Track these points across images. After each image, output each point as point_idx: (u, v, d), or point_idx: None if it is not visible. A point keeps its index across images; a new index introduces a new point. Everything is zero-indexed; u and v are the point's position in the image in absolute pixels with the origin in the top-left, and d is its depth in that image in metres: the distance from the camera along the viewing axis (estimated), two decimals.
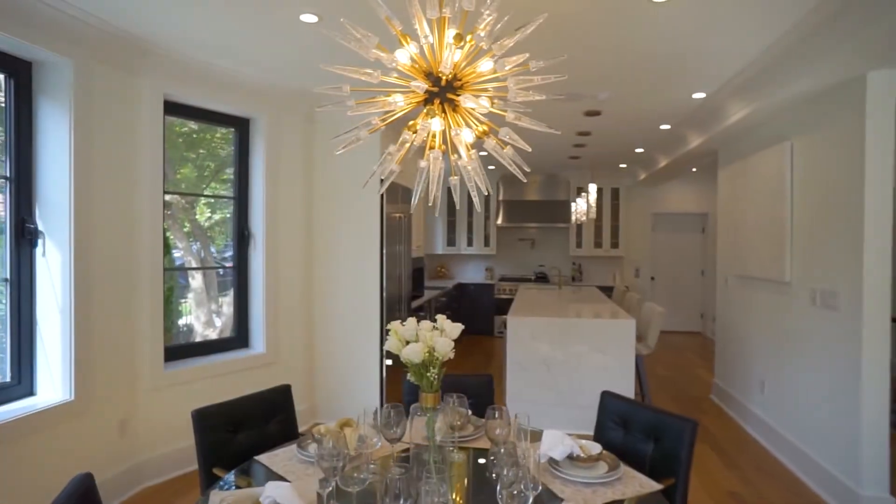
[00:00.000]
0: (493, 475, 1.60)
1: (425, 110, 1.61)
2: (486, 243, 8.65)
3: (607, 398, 2.46)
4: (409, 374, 1.78)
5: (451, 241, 8.66)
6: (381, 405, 4.35)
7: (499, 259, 8.87)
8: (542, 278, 8.62)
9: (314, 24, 2.74)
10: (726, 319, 4.81)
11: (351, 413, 4.22)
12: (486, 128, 1.69)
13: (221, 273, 4.08)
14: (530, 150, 1.62)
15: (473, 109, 1.61)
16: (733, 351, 4.63)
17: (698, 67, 3.30)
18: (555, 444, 1.88)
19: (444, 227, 8.63)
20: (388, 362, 4.49)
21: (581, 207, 5.86)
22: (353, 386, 4.34)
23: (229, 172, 4.01)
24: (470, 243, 8.67)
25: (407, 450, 2.00)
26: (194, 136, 3.93)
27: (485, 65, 1.62)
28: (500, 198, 8.58)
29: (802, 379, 3.45)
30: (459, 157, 1.67)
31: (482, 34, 1.45)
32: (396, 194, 4.68)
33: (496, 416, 1.88)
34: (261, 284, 3.96)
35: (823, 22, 2.56)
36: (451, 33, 1.54)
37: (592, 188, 5.24)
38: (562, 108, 4.26)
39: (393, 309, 4.63)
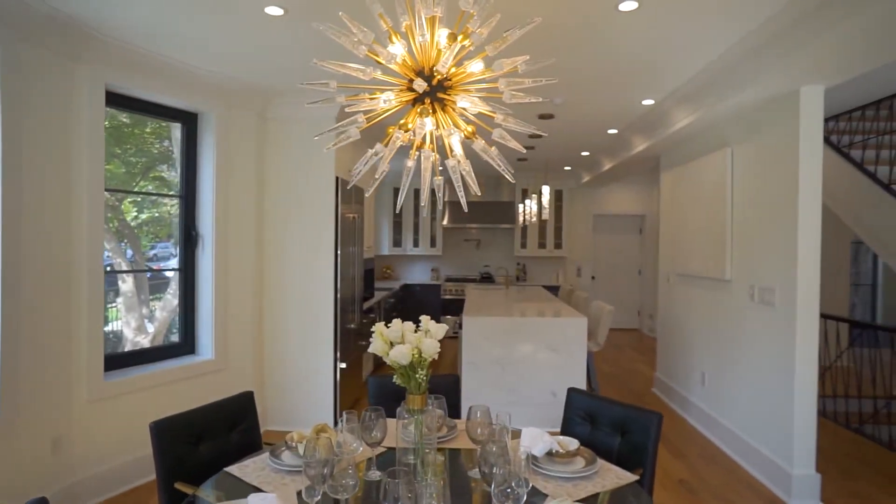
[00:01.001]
0: (481, 474, 1.60)
1: (418, 109, 1.58)
2: (433, 244, 8.67)
3: (573, 394, 2.53)
4: (394, 377, 1.74)
5: (396, 242, 8.61)
6: (336, 409, 4.26)
7: (444, 260, 8.92)
8: (487, 278, 8.74)
9: (280, 16, 2.63)
10: (668, 316, 5.08)
11: (305, 418, 4.13)
12: (473, 128, 1.69)
13: (150, 276, 3.83)
14: (524, 150, 1.63)
15: (465, 109, 1.60)
16: (675, 346, 4.90)
17: (651, 75, 3.47)
18: (535, 441, 1.90)
19: (390, 227, 8.57)
20: (343, 365, 4.39)
21: (532, 209, 5.99)
22: (307, 391, 4.21)
23: (162, 169, 3.76)
24: (416, 244, 8.65)
25: (383, 453, 1.96)
26: (124, 129, 3.65)
27: (475, 65, 1.62)
28: (446, 198, 8.59)
29: (741, 370, 3.70)
30: (454, 156, 1.65)
31: (479, 35, 1.45)
32: (350, 194, 4.59)
33: (478, 415, 1.89)
34: (209, 287, 3.75)
35: (764, 40, 2.78)
36: (443, 32, 1.53)
37: (546, 190, 5.37)
38: (517, 109, 4.34)
39: (346, 311, 4.53)
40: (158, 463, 1.93)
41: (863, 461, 3.69)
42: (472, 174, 1.68)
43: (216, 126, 3.73)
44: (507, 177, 1.73)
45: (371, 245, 6.09)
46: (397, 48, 1.57)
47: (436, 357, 1.74)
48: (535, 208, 5.98)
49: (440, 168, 1.77)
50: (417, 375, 1.66)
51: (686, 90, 3.66)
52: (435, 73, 1.55)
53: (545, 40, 2.87)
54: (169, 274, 3.81)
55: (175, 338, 3.81)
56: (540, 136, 1.64)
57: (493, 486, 1.53)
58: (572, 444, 1.97)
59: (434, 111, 1.59)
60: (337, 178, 4.20)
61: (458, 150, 1.61)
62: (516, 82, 1.57)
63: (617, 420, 2.32)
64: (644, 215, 8.83)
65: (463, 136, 1.65)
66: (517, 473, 1.49)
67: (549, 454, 1.89)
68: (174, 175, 3.80)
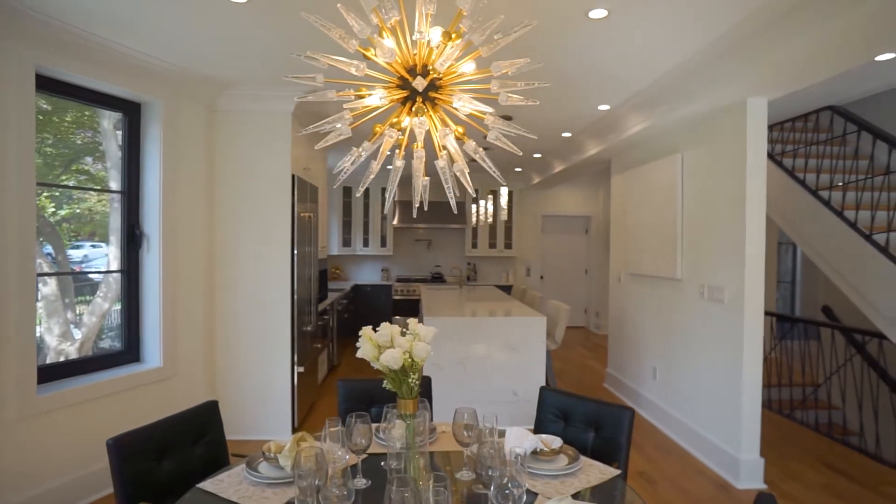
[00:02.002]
0: (478, 477, 1.59)
1: (414, 108, 1.55)
2: (383, 244, 8.57)
3: (545, 393, 2.57)
4: (384, 382, 1.70)
5: (346, 242, 8.45)
6: (293, 415, 4.11)
7: (395, 260, 8.84)
8: (438, 279, 8.75)
9: (242, 4, 2.49)
10: (619, 314, 5.28)
11: (261, 426, 3.96)
12: (463, 128, 1.67)
13: (76, 278, 3.53)
14: (521, 153, 1.63)
15: (457, 109, 1.58)
16: (626, 342, 5.10)
17: (611, 82, 3.58)
18: (521, 440, 1.92)
19: (340, 227, 8.39)
20: (301, 369, 4.25)
21: (489, 209, 6.05)
22: (262, 397, 4.03)
23: (87, 163, 3.47)
24: (366, 244, 8.53)
25: (364, 459, 1.91)
26: (39, 117, 3.32)
27: (466, 66, 1.61)
28: (396, 198, 8.56)
29: (692, 364, 3.91)
30: (443, 156, 1.62)
31: (478, 36, 1.43)
32: (305, 192, 4.44)
33: (465, 417, 1.87)
34: (156, 290, 3.51)
35: (716, 55, 2.94)
36: (437, 31, 1.51)
37: (504, 191, 5.44)
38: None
39: (303, 312, 4.39)
40: (119, 483, 1.79)
41: (795, 444, 4.00)
42: (467, 175, 1.65)
43: (163, 117, 3.50)
44: (498, 179, 1.72)
45: (325, 245, 5.93)
46: (389, 44, 1.53)
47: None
48: (490, 209, 6.04)
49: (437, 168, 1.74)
50: (410, 380, 1.63)
51: (641, 97, 3.81)
52: (430, 71, 1.52)
53: (513, 43, 2.89)
54: (97, 276, 3.51)
55: (105, 344, 3.53)
56: (532, 138, 1.64)
57: (492, 488, 1.52)
58: (555, 442, 1.99)
59: (426, 110, 1.55)
60: (293, 176, 4.06)
61: (455, 149, 1.59)
62: (508, 85, 1.57)
63: (590, 416, 2.38)
64: (590, 216, 9.15)
65: (454, 136, 1.63)
66: (514, 475, 1.50)
67: (534, 453, 1.90)
68: (100, 168, 3.51)
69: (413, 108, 1.54)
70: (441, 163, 1.67)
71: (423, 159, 1.63)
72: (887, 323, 3.62)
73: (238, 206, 3.99)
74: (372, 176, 1.71)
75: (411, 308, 8.26)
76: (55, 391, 2.91)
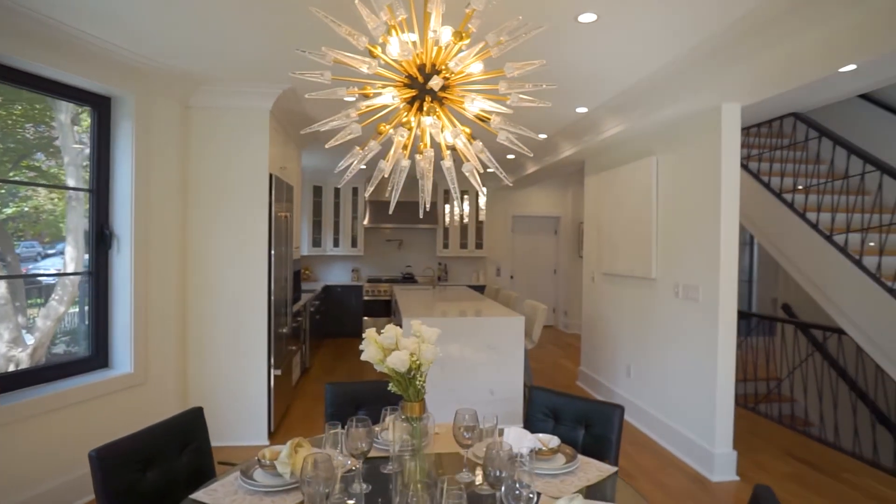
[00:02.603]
0: (486, 477, 1.58)
1: (426, 108, 1.53)
2: (354, 244, 8.47)
3: (535, 392, 2.59)
4: (389, 385, 1.67)
5: (316, 242, 8.31)
6: (270, 419, 4.00)
7: (365, 260, 8.75)
8: (409, 279, 8.71)
9: None
10: (592, 313, 5.38)
11: (237, 431, 3.84)
12: (469, 129, 1.66)
13: (23, 281, 3.33)
14: (531, 154, 1.64)
15: (465, 109, 1.58)
16: (599, 340, 5.20)
17: (592, 85, 3.64)
18: (520, 440, 1.93)
19: (310, 227, 8.25)
20: (277, 372, 4.15)
21: (465, 209, 6.06)
22: (238, 401, 3.91)
23: (40, 158, 3.28)
24: (336, 244, 8.41)
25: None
26: None
27: (473, 66, 1.60)
28: (367, 197, 8.47)
29: (666, 361, 4.02)
30: (457, 156, 1.61)
31: (489, 35, 1.43)
32: (282, 192, 4.34)
33: (465, 419, 1.87)
34: (127, 293, 3.36)
35: (694, 61, 3.04)
36: (447, 30, 1.50)
37: (484, 190, 5.44)
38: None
39: (279, 314, 4.29)
40: (102, 497, 1.70)
41: (761, 436, 4.18)
42: (476, 174, 1.65)
43: (135, 113, 3.34)
44: (505, 181, 1.72)
45: (298, 245, 5.81)
46: (411, 37, 1.50)
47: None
48: (467, 209, 6.05)
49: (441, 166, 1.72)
50: (417, 382, 1.61)
51: (618, 101, 3.90)
52: (441, 70, 1.51)
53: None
54: (50, 279, 3.31)
55: (59, 349, 3.35)
56: (536, 139, 1.65)
57: (502, 488, 1.52)
58: (552, 441, 2.01)
59: (436, 110, 1.54)
60: (271, 175, 3.95)
61: (467, 148, 1.58)
62: (515, 86, 1.58)
63: (580, 414, 2.42)
64: (559, 217, 9.29)
65: (465, 136, 1.62)
66: (522, 476, 1.50)
67: (533, 452, 1.92)
68: (52, 165, 3.32)
69: (424, 108, 1.52)
70: (447, 163, 1.66)
71: (432, 160, 1.61)
72: (847, 320, 3.83)
73: (214, 206, 3.85)
74: (381, 176, 1.68)
75: (383, 309, 8.20)
76: (13, 401, 2.74)
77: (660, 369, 4.11)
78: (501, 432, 1.99)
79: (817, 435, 4.15)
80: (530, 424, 2.49)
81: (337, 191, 8.34)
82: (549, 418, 2.50)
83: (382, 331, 1.66)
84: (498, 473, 1.56)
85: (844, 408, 4.34)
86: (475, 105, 1.56)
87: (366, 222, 8.29)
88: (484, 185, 8.75)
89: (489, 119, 1.64)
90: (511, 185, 1.75)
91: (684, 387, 3.78)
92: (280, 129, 4.36)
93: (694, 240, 3.66)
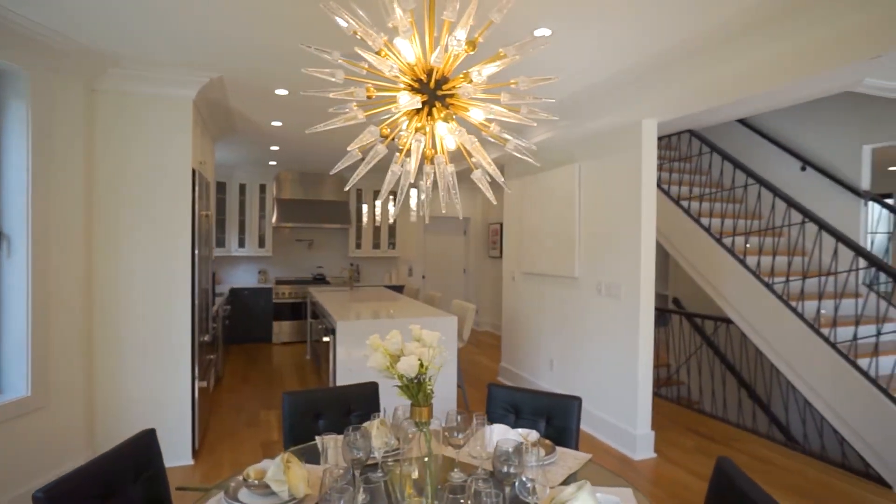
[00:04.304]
0: (496, 473, 1.63)
1: (442, 115, 1.53)
2: (261, 244, 8.03)
3: (494, 389, 2.69)
4: (398, 391, 1.65)
5: (220, 242, 7.75)
6: (194, 434, 3.69)
7: (273, 261, 8.34)
8: (320, 280, 8.45)
9: None
10: (513, 311, 5.64)
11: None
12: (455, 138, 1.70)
13: None
14: (539, 165, 1.71)
15: (469, 116, 1.61)
16: (521, 337, 5.47)
17: (533, 92, 3.83)
18: (505, 435, 2.01)
19: (213, 226, 7.66)
20: (203, 384, 3.83)
21: (390, 209, 6.02)
22: (158, 418, 3.54)
23: None
24: (242, 244, 7.92)
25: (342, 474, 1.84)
26: None
27: (477, 77, 1.64)
28: (276, 196, 8.10)
29: (590, 354, 4.35)
30: (476, 163, 1.64)
31: (509, 48, 1.48)
32: (203, 189, 4.01)
33: (457, 419, 1.90)
34: (22, 303, 2.91)
35: (624, 80, 3.35)
36: (461, 33, 1.52)
37: (413, 192, 5.44)
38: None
39: (201, 320, 3.96)
40: None
41: (665, 416, 4.68)
42: (485, 181, 1.69)
43: (31, 91, 2.90)
44: (503, 186, 1.78)
45: (212, 246, 5.38)
46: (409, 48, 1.50)
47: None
48: (392, 209, 6.00)
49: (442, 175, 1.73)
50: (425, 386, 1.61)
51: (552, 110, 4.14)
52: (450, 78, 1.53)
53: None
54: None
55: None
56: (533, 149, 1.74)
57: (516, 483, 1.59)
58: (531, 434, 2.12)
59: (452, 116, 1.56)
60: (194, 171, 3.64)
61: (482, 156, 1.61)
62: (519, 97, 1.65)
63: (541, 408, 2.56)
64: (469, 218, 9.57)
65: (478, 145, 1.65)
66: (537, 472, 1.59)
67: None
68: None
69: (441, 115, 1.53)
70: (450, 168, 1.68)
71: (443, 166, 1.62)
72: (734, 311, 4.43)
73: (129, 203, 3.46)
74: (396, 180, 1.65)
75: (295, 312, 7.87)
76: None
77: (583, 361, 4.44)
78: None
79: (710, 412, 4.75)
80: (493, 419, 2.57)
81: (242, 187, 7.85)
82: (510, 413, 2.61)
83: (370, 338, 1.64)
84: (506, 469, 1.62)
85: (724, 386, 5.01)
86: (479, 113, 1.60)
87: (274, 221, 7.89)
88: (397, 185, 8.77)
89: (489, 127, 1.69)
90: (509, 190, 1.81)
91: (607, 376, 4.13)
92: (199, 121, 4.02)
93: (616, 241, 4.00)
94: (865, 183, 4.60)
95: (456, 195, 1.72)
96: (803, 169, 4.92)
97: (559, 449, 2.11)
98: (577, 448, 2.41)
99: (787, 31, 2.65)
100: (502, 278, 8.69)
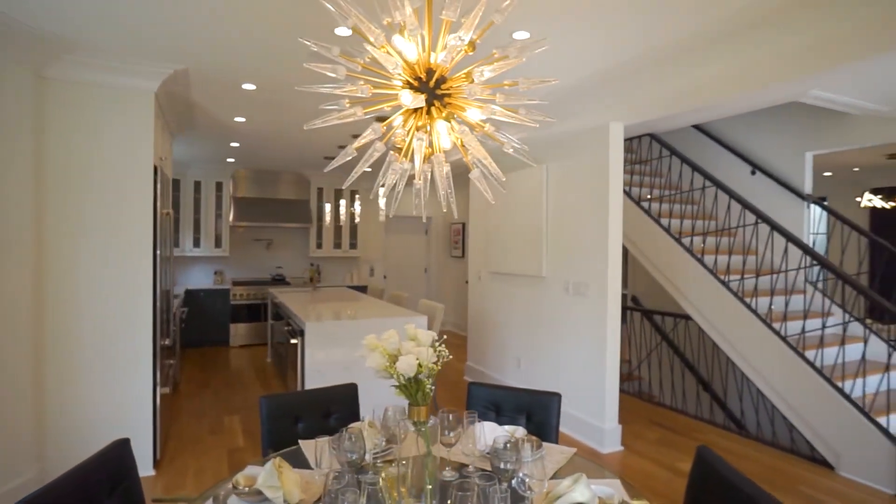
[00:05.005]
0: (495, 471, 1.65)
1: (444, 114, 1.53)
2: (218, 244, 7.75)
3: (474, 388, 2.71)
4: (396, 390, 1.63)
5: (174, 242, 7.41)
6: (155, 443, 3.52)
7: (230, 261, 8.07)
8: (280, 280, 8.24)
9: None
10: (479, 310, 5.69)
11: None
12: (458, 136, 1.70)
13: None
14: (535, 165, 1.73)
15: (466, 117, 1.62)
16: (487, 336, 5.52)
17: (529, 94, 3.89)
18: (495, 434, 2.03)
19: (173, 226, 7.33)
20: (165, 390, 3.67)
21: (356, 209, 5.94)
22: (117, 430, 3.35)
23: None
24: (197, 244, 7.62)
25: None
26: None
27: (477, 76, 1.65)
28: (233, 194, 7.85)
29: (558, 351, 4.44)
30: (468, 163, 1.64)
31: (512, 48, 1.50)
32: (165, 186, 3.83)
33: (449, 419, 1.90)
34: None
35: (593, 84, 3.46)
36: (465, 34, 1.53)
37: (381, 191, 5.38)
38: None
39: (162, 321, 3.79)
40: None
41: (629, 411, 4.84)
42: (484, 181, 1.70)
43: None
44: (499, 189, 1.80)
45: (173, 247, 5.14)
46: (413, 46, 1.49)
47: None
48: (356, 208, 5.95)
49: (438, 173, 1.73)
50: (424, 384, 1.60)
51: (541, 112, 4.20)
52: (447, 78, 1.54)
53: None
54: None
55: None
56: (525, 149, 1.77)
57: (514, 480, 1.61)
58: (518, 431, 2.15)
59: (453, 116, 1.56)
60: (155, 168, 3.48)
61: (484, 156, 1.62)
62: (513, 98, 1.67)
63: (521, 405, 2.61)
64: (430, 217, 9.57)
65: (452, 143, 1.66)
66: (533, 467, 1.62)
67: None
68: None
69: (442, 113, 1.53)
70: (447, 168, 1.68)
71: (443, 164, 1.62)
72: (692, 307, 4.64)
73: (85, 201, 3.26)
74: (395, 181, 1.63)
75: (254, 314, 7.65)
76: None
77: (550, 359, 4.53)
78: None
79: (669, 405, 4.95)
80: None
81: (197, 185, 7.55)
82: (490, 411, 2.63)
83: (366, 338, 1.63)
84: (504, 466, 1.65)
85: (683, 380, 5.25)
86: (477, 113, 1.62)
87: (231, 220, 7.64)
88: (357, 185, 8.66)
89: (484, 126, 1.70)
90: (504, 191, 1.83)
91: (575, 372, 4.23)
92: (160, 115, 3.84)
93: (583, 241, 4.11)
94: (808, 187, 4.92)
95: (451, 194, 1.72)
96: (753, 173, 5.21)
97: (547, 445, 2.15)
98: (557, 443, 2.46)
99: (743, 46, 2.86)
100: (464, 278, 8.76)
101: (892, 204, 6.57)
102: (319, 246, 8.41)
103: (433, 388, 1.66)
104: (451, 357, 1.67)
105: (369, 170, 2.64)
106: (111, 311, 3.34)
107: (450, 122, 1.56)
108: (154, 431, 3.50)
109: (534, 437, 2.15)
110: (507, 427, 2.16)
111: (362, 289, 7.95)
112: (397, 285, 9.34)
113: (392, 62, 1.41)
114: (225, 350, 7.35)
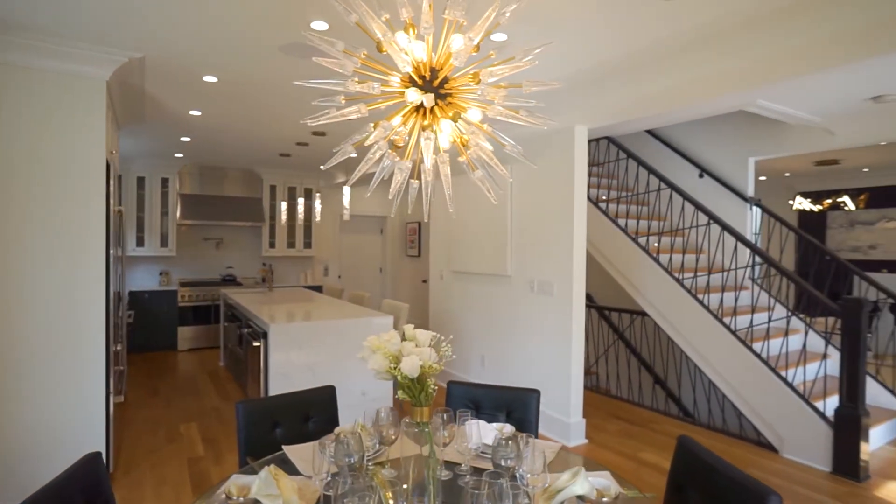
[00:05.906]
0: (496, 468, 1.66)
1: (450, 114, 1.53)
2: (164, 243, 7.36)
3: (452, 386, 2.73)
4: (398, 392, 1.61)
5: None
6: (109, 455, 3.30)
7: (177, 261, 7.69)
8: (230, 281, 7.93)
9: None
10: (442, 309, 5.70)
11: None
12: (468, 137, 1.71)
13: None
14: (536, 166, 1.75)
15: (466, 118, 1.63)
16: (450, 334, 5.53)
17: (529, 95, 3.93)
18: (485, 431, 2.05)
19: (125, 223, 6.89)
20: (119, 399, 3.44)
21: (316, 207, 5.81)
22: (65, 443, 3.12)
23: None
24: (140, 243, 7.21)
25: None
26: None
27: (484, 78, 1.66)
28: (179, 191, 7.48)
29: (522, 349, 4.52)
30: (471, 164, 1.65)
31: (520, 49, 1.51)
32: (116, 182, 3.60)
33: (444, 418, 1.90)
34: None
35: (559, 89, 3.55)
36: (459, 38, 1.53)
37: (346, 190, 5.28)
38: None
39: (114, 325, 3.56)
40: None
41: (589, 405, 5.00)
42: (486, 182, 1.71)
43: None
44: (492, 193, 1.81)
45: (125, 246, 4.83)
46: (422, 45, 1.48)
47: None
48: (318, 207, 5.82)
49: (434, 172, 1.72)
50: (427, 386, 1.59)
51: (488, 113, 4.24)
52: (450, 78, 1.54)
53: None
54: None
55: None
56: (519, 148, 1.79)
57: (517, 476, 1.64)
58: (506, 428, 2.18)
59: (459, 115, 1.56)
60: (108, 163, 3.26)
61: (487, 154, 1.63)
62: (511, 99, 1.69)
63: (501, 402, 2.65)
64: (385, 217, 9.49)
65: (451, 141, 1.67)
66: (534, 465, 1.65)
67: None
68: None
69: (449, 113, 1.53)
70: (445, 169, 1.68)
71: (447, 163, 1.62)
72: (648, 304, 4.85)
73: (30, 197, 3.01)
74: (405, 176, 1.61)
75: (203, 316, 7.32)
76: None
77: (515, 356, 4.61)
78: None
79: (626, 398, 5.16)
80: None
81: (141, 181, 7.14)
82: (470, 408, 2.65)
83: (367, 339, 1.60)
84: (504, 462, 1.67)
85: (640, 374, 5.48)
86: (477, 112, 1.63)
87: (178, 218, 7.28)
88: (313, 184, 8.47)
89: (483, 127, 1.72)
90: (495, 201, 1.85)
91: (541, 369, 4.32)
92: (109, 106, 3.60)
93: (548, 240, 4.20)
94: (751, 190, 5.26)
95: (449, 193, 1.72)
96: (701, 176, 5.51)
97: (534, 441, 2.18)
98: (536, 438, 2.51)
99: (704, 56, 3.02)
100: (421, 277, 8.75)
101: (820, 207, 7.14)
102: (272, 245, 8.15)
103: (435, 388, 1.66)
104: (454, 357, 1.67)
105: (354, 157, 2.58)
106: (61, 316, 3.09)
107: (456, 122, 1.56)
108: (107, 443, 3.28)
109: (520, 434, 2.19)
110: (494, 424, 2.18)
111: (317, 289, 7.79)
112: (353, 285, 9.21)
113: (402, 59, 1.39)
114: (173, 354, 6.99)
